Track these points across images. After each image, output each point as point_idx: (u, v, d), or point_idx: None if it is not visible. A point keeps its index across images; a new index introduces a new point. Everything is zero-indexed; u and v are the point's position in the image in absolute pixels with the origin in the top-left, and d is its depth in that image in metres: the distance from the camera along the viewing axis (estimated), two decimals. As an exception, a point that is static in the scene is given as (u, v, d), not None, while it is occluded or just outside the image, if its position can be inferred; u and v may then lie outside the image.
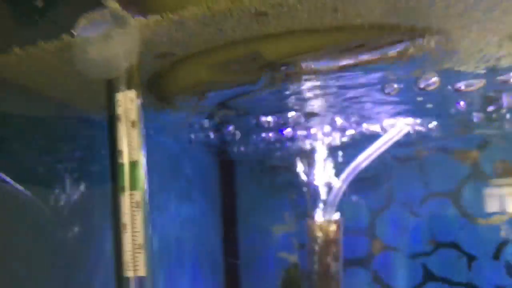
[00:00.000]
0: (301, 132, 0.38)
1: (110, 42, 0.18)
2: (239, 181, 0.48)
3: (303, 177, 0.41)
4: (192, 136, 0.37)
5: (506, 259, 0.42)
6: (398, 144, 0.37)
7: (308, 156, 0.40)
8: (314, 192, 0.39)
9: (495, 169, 0.44)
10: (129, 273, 0.19)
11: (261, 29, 0.18)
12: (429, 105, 0.33)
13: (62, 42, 0.19)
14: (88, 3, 0.19)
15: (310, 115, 0.34)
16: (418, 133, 0.39)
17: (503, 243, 0.43)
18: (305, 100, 0.30)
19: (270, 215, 0.47)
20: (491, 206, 0.44)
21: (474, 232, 0.44)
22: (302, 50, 0.19)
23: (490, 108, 0.35)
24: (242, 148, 0.40)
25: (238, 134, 0.36)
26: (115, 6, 0.19)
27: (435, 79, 0.29)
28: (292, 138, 0.39)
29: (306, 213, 0.41)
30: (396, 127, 0.34)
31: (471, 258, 0.44)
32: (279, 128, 0.37)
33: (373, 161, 0.37)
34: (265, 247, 0.46)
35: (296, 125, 0.36)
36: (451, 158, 0.45)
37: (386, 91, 0.29)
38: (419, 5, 0.18)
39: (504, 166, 0.44)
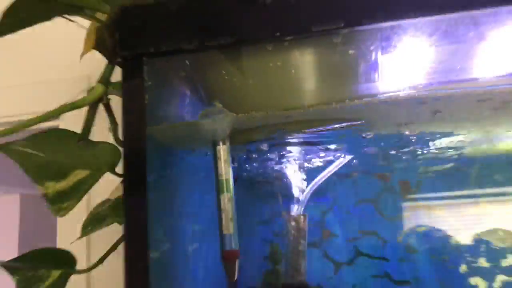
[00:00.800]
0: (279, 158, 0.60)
1: (217, 123, 0.39)
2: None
3: (281, 187, 0.63)
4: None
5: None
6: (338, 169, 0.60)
7: (285, 172, 0.63)
8: (289, 197, 0.61)
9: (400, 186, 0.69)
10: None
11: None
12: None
13: (192, 122, 0.40)
14: (205, 104, 0.40)
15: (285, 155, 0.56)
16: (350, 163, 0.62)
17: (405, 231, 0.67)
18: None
19: (257, 215, 0.68)
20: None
21: (387, 225, 0.68)
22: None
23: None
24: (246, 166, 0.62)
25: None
26: (220, 105, 0.39)
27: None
28: (273, 161, 0.61)
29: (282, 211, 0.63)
30: (339, 160, 0.57)
31: (385, 241, 0.67)
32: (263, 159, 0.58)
33: (324, 179, 0.60)
34: (255, 235, 0.67)
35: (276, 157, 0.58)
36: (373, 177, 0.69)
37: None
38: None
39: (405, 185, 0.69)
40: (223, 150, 0.40)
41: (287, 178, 0.62)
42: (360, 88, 0.37)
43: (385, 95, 0.36)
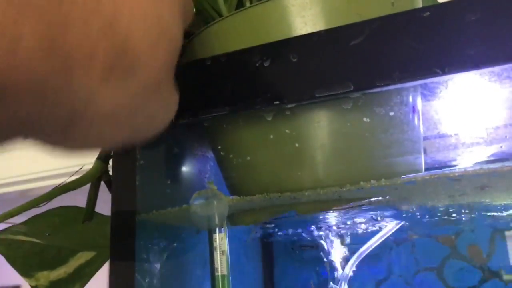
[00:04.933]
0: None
1: (211, 208, 0.33)
2: (276, 256, 0.62)
3: (325, 254, 0.55)
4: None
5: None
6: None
7: (328, 239, 0.55)
8: (332, 266, 0.53)
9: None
10: None
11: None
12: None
13: (184, 207, 0.34)
14: (199, 186, 0.34)
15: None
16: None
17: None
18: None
19: (300, 282, 0.61)
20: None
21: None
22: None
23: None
24: (279, 233, 0.55)
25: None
26: (214, 187, 0.34)
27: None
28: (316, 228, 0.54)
29: (327, 282, 0.54)
30: (390, 224, 0.48)
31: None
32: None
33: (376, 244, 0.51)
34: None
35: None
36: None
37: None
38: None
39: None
40: (220, 238, 0.33)
41: (327, 244, 0.55)
42: (380, 164, 0.30)
43: (413, 175, 0.29)
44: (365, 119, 0.29)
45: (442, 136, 0.52)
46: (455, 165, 0.56)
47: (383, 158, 0.29)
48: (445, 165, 0.56)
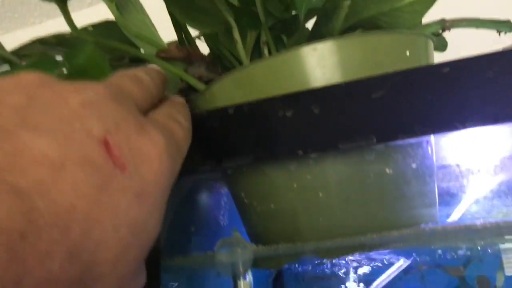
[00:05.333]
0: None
1: (235, 255, 0.34)
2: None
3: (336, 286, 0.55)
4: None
5: None
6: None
7: (339, 271, 0.55)
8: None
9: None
10: None
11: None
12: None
13: (208, 254, 0.34)
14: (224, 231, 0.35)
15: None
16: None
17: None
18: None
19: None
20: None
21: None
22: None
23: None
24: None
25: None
26: (239, 235, 0.34)
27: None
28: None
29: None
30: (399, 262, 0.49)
31: None
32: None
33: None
34: None
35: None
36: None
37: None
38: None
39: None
40: (244, 285, 0.34)
41: (339, 276, 0.55)
42: (402, 214, 0.31)
43: (438, 225, 0.29)
44: (387, 170, 0.30)
45: (445, 166, 0.53)
46: (457, 193, 0.57)
47: (406, 209, 0.30)
48: (447, 193, 0.56)
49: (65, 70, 0.31)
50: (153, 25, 0.45)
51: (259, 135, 0.33)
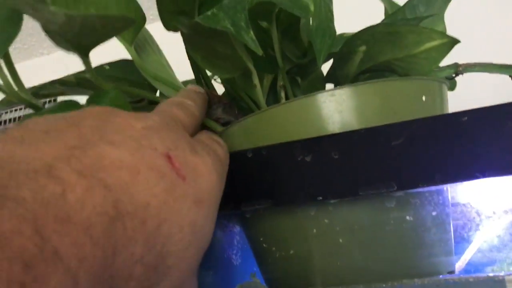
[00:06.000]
0: None
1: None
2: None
3: None
4: None
5: None
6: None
7: None
8: None
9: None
10: None
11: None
12: None
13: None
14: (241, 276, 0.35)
15: None
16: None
17: None
18: None
19: None
20: None
21: None
22: None
23: None
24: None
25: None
26: (257, 280, 0.34)
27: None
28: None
29: None
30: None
31: None
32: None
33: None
34: None
35: None
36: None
37: None
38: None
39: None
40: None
41: None
42: (422, 262, 0.31)
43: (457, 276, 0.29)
44: (408, 217, 0.30)
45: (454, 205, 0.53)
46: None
47: (426, 256, 0.30)
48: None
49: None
50: (169, 66, 0.46)
51: (278, 179, 0.33)
